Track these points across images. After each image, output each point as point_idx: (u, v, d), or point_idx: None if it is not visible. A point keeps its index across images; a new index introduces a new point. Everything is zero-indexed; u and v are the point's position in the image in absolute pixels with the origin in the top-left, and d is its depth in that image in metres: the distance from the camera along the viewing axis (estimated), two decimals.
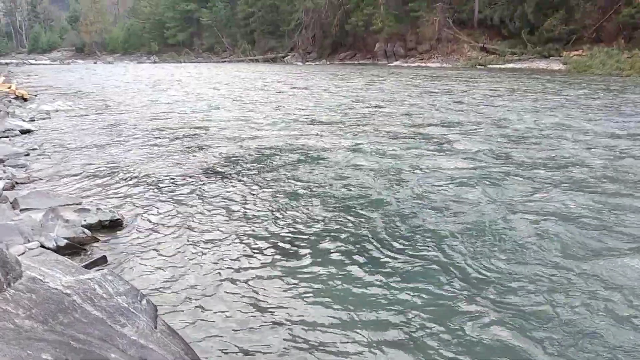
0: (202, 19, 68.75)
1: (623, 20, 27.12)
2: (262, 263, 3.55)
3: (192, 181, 5.65)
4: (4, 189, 5.16)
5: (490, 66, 30.57)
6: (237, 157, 6.83)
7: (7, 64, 51.46)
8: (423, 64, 35.91)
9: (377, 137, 7.98)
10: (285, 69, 36.55)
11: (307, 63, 47.18)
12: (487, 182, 5.24)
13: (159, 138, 8.32)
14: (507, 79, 20.44)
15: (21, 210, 4.56)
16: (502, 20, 34.57)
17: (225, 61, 58.59)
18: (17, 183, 5.56)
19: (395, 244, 3.77)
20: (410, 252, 3.63)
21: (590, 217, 4.18)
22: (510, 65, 29.77)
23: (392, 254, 3.60)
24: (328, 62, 46.18)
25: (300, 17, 50.89)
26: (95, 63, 65.79)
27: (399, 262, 3.47)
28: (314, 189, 5.23)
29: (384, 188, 5.18)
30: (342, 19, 47.01)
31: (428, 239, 3.84)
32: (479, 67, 30.99)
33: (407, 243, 3.79)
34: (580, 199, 4.64)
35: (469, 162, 6.13)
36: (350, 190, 5.15)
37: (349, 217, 4.37)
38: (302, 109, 11.73)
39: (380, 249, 3.71)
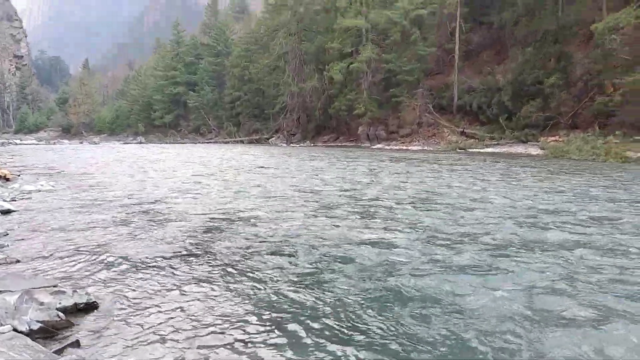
0: (189, 101, 70.36)
1: (597, 107, 28.13)
2: (246, 351, 3.52)
3: (172, 263, 5.64)
4: None
5: (470, 150, 31.34)
6: (216, 237, 6.85)
7: None
8: (405, 147, 36.72)
9: (350, 214, 8.06)
10: (270, 150, 37.14)
11: (291, 144, 48.02)
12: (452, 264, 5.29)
13: (140, 218, 8.33)
14: (485, 162, 20.93)
15: None
16: (480, 106, 35.79)
17: (210, 142, 59.46)
18: None
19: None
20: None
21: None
22: (490, 150, 30.55)
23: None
24: (312, 144, 47.05)
25: (285, 101, 52.30)
26: (81, 143, 66.36)
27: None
28: (278, 263, 5.25)
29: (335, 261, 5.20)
30: (325, 103, 48.35)
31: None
32: (459, 150, 31.75)
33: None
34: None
35: (427, 240, 6.20)
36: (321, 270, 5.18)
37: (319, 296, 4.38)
38: (283, 189, 11.85)
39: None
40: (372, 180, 14.08)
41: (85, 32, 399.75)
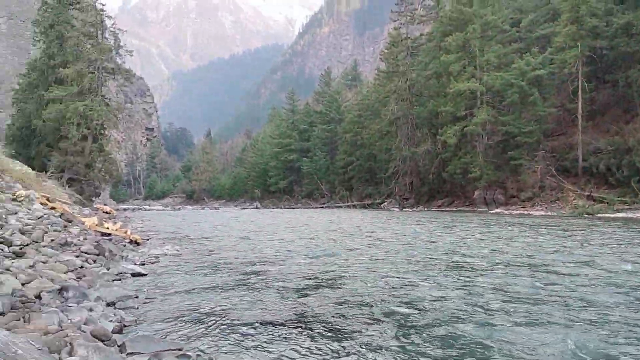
0: (302, 167, 72.28)
1: None
2: None
3: (288, 328, 5.51)
4: (113, 332, 5.25)
5: (600, 215, 29.19)
6: (326, 301, 6.65)
7: (124, 209, 55.60)
8: (526, 212, 34.94)
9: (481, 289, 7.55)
10: (381, 214, 36.83)
11: (404, 209, 47.45)
12: None
13: (258, 281, 8.35)
14: (620, 230, 19.32)
15: (128, 354, 4.59)
16: (609, 168, 33.52)
17: (323, 207, 60.23)
18: (125, 326, 5.66)
19: None
20: None
21: None
22: (622, 215, 28.24)
23: None
24: (425, 209, 46.20)
25: (398, 165, 52.18)
26: (202, 208, 69.74)
27: None
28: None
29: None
30: (439, 166, 47.68)
31: None
32: (586, 215, 29.67)
33: None
34: None
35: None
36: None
37: None
38: (392, 257, 11.50)
39: None
40: (494, 250, 13.37)
41: (209, 105, 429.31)
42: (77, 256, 9.86)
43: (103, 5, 47.38)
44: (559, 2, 40.45)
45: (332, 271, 9.62)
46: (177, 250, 13.23)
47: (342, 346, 5.03)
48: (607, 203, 31.20)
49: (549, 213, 32.99)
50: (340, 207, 58.11)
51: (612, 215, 28.38)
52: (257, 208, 67.43)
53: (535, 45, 45.08)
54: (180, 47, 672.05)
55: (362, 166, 61.53)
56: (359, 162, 61.61)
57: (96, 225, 15.66)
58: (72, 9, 48.83)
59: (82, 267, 8.98)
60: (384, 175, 55.33)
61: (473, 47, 43.13)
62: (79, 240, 11.82)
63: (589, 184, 34.88)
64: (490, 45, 43.33)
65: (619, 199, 31.09)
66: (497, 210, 37.92)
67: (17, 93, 50.41)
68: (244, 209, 68.07)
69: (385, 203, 53.66)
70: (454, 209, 43.72)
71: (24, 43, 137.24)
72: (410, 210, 46.48)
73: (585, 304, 6.53)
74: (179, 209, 70.70)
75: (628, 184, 31.23)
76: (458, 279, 8.49)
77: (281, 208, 64.35)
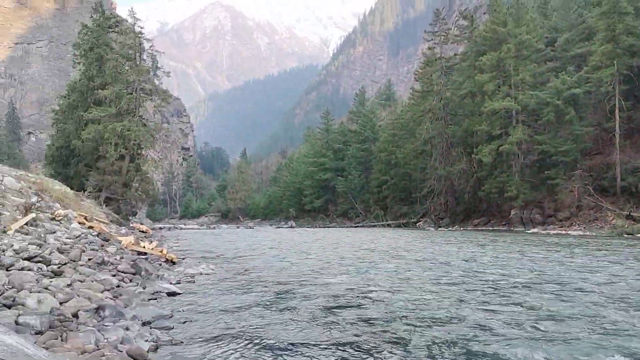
0: (337, 186, 72.32)
1: None
2: None
3: (329, 352, 5.57)
4: (148, 351, 5.38)
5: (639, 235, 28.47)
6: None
7: (160, 228, 56.43)
8: (563, 232, 34.24)
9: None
10: (417, 234, 36.55)
11: (439, 229, 47.00)
12: None
13: (296, 304, 8.42)
14: None
15: None
16: None
17: (358, 226, 60.08)
18: (160, 345, 5.79)
19: None
20: None
21: None
22: None
23: None
24: (461, 228, 45.66)
25: (433, 184, 51.81)
26: (237, 227, 70.23)
27: None
28: None
29: None
30: (474, 185, 47.18)
31: None
32: (626, 235, 28.94)
33: None
34: None
35: None
36: None
37: None
38: (422, 277, 11.43)
39: None
40: (535, 274, 13.16)
41: (244, 125, 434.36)
42: (114, 275, 10.10)
43: (142, 28, 48.73)
44: (595, 21, 39.93)
45: (364, 291, 9.63)
46: (212, 269, 13.41)
47: None
48: None
49: (588, 233, 32.27)
50: (375, 226, 57.88)
51: None
52: (291, 227, 67.61)
53: (570, 64, 44.55)
54: (216, 69, 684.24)
55: (396, 185, 61.27)
56: (394, 181, 61.36)
57: (132, 244, 15.99)
58: (112, 32, 50.37)
59: (118, 286, 9.21)
60: (419, 194, 54.95)
61: (507, 66, 42.84)
62: (115, 259, 12.12)
63: (628, 203, 34.06)
64: (525, 64, 42.99)
65: None
66: (534, 230, 37.25)
67: (57, 114, 51.99)
68: (278, 227, 68.35)
69: (421, 222, 53.23)
70: (490, 228, 43.11)
71: (65, 65, 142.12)
72: (445, 229, 46.02)
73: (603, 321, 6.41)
74: (214, 228, 71.37)
75: None
76: (489, 299, 8.41)
77: (316, 227, 64.40)
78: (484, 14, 66.02)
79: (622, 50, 36.53)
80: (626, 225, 31.00)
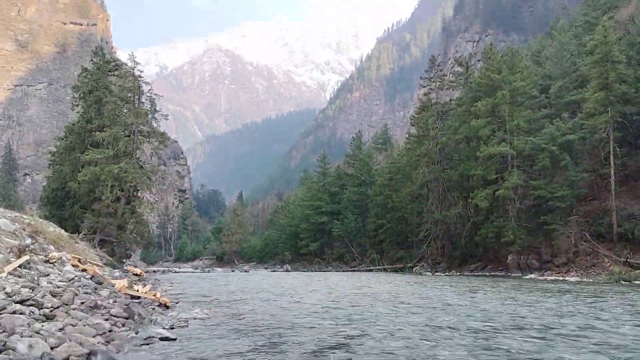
0: (333, 230, 72.06)
1: None
2: None
3: None
4: None
5: (637, 282, 28.26)
6: None
7: (154, 271, 55.90)
8: (560, 278, 34.04)
9: None
10: (413, 279, 36.25)
11: (436, 274, 46.67)
12: None
13: (289, 349, 8.30)
14: None
15: None
16: None
17: (354, 270, 59.61)
18: None
19: None
20: None
21: None
22: None
23: None
24: (458, 273, 45.34)
25: (429, 228, 51.68)
26: (233, 271, 69.59)
27: None
28: None
29: None
30: (471, 230, 47.09)
31: None
32: (623, 282, 28.76)
33: None
34: None
35: None
36: None
37: None
38: (413, 327, 11.29)
39: None
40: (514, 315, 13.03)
41: (241, 168, 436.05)
42: (107, 319, 9.97)
43: (141, 71, 49.43)
44: (588, 69, 40.73)
45: (353, 335, 9.55)
46: (207, 313, 13.24)
47: None
48: None
49: (585, 279, 32.08)
50: (372, 270, 57.43)
51: None
52: (287, 271, 67.06)
53: (564, 110, 45.21)
54: (214, 112, 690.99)
55: (393, 229, 61.09)
56: (390, 225, 61.20)
57: (126, 287, 15.82)
58: (111, 75, 51.04)
59: (110, 330, 9.07)
60: (416, 238, 54.76)
61: (502, 112, 43.38)
62: (108, 303, 11.97)
63: (625, 249, 33.96)
64: (520, 110, 43.60)
65: None
66: (532, 276, 37.03)
67: (54, 155, 52.16)
68: (274, 271, 67.78)
69: (417, 267, 52.89)
70: (487, 273, 42.84)
71: (63, 108, 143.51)
72: (442, 274, 45.70)
73: None
74: (209, 271, 70.70)
75: None
76: (474, 344, 8.31)
77: (312, 271, 63.86)
78: (479, 61, 67.34)
79: (616, 98, 37.12)
80: (623, 272, 30.84)
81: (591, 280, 31.31)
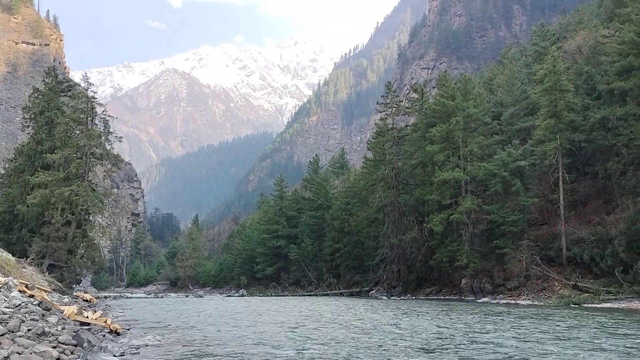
0: (290, 254, 71.71)
1: None
2: None
3: None
4: None
5: (586, 305, 28.99)
6: None
7: (105, 297, 54.39)
8: (512, 301, 34.67)
9: None
10: (368, 303, 36.31)
11: (392, 297, 46.89)
12: None
13: None
14: (608, 321, 19.21)
15: None
16: (593, 258, 33.73)
17: (311, 295, 59.33)
18: None
19: None
20: None
21: None
22: (608, 305, 28.06)
23: None
24: (413, 297, 45.69)
25: (385, 253, 51.97)
26: (187, 296, 68.34)
27: None
28: None
29: None
30: (426, 254, 47.63)
31: None
32: (572, 305, 29.47)
33: None
34: None
35: None
36: None
37: None
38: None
39: None
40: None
41: (197, 191, 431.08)
42: (54, 347, 9.62)
43: (94, 92, 48.57)
44: (537, 97, 42.12)
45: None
46: (159, 340, 12.94)
47: None
48: (593, 293, 31.08)
49: (536, 302, 32.74)
50: (328, 294, 57.26)
51: (598, 306, 28.21)
52: (242, 295, 66.25)
53: (516, 137, 46.56)
54: (170, 134, 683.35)
55: (349, 253, 61.18)
56: (347, 249, 61.31)
57: (75, 314, 15.33)
58: (63, 96, 49.96)
59: (58, 358, 8.77)
60: (372, 262, 55.00)
61: (456, 138, 44.26)
62: (56, 330, 11.56)
63: (574, 273, 34.84)
64: (473, 136, 44.62)
65: (605, 288, 31.01)
66: (485, 299, 37.58)
67: (2, 178, 50.47)
68: (229, 296, 66.86)
69: (373, 291, 53.03)
70: (442, 297, 43.29)
71: (13, 129, 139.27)
72: (397, 298, 45.94)
73: None
74: (162, 296, 69.21)
75: (612, 273, 31.29)
76: None
77: (268, 295, 63.27)
78: (434, 87, 68.64)
79: (564, 125, 38.45)
80: (573, 296, 31.61)
81: (542, 303, 31.96)
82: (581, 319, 19.16)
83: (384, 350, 11.22)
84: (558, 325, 16.92)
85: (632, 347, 11.72)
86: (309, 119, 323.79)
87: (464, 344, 12.05)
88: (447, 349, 11.32)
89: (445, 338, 13.33)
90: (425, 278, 49.43)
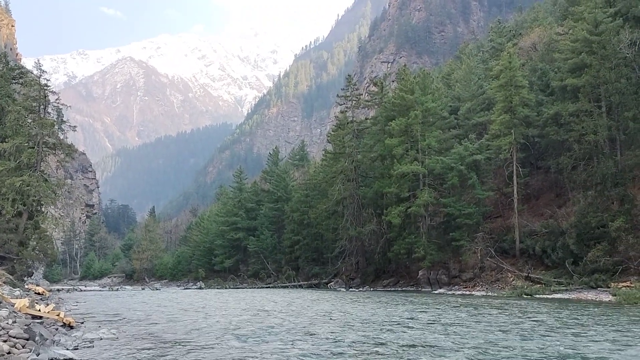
0: (249, 246, 71.46)
1: None
2: None
3: None
4: None
5: (537, 296, 29.83)
6: None
7: (58, 290, 53.17)
8: (467, 292, 35.43)
9: None
10: (329, 295, 36.54)
11: (350, 289, 47.27)
12: None
13: None
14: (554, 310, 19.82)
15: None
16: (544, 250, 34.71)
17: (270, 287, 59.29)
18: None
19: None
20: None
21: None
22: (558, 296, 28.93)
23: None
24: (371, 289, 46.16)
25: (344, 245, 52.28)
26: (143, 289, 67.42)
27: None
28: None
29: None
30: (384, 246, 48.14)
31: None
32: (525, 296, 30.28)
33: None
34: None
35: None
36: None
37: None
38: (334, 340, 11.43)
39: None
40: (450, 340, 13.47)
41: (154, 182, 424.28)
42: (5, 341, 9.38)
43: (47, 80, 47.07)
44: (493, 93, 42.95)
45: (258, 351, 9.52)
46: (114, 333, 12.74)
47: None
48: (544, 284, 31.98)
49: (490, 293, 33.53)
50: (287, 286, 57.34)
51: (549, 296, 29.07)
52: (200, 288, 65.69)
53: (472, 131, 47.36)
54: (126, 124, 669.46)
55: (308, 245, 61.35)
56: (306, 242, 61.45)
57: (27, 307, 14.94)
58: (15, 83, 48.33)
59: (9, 352, 8.54)
60: (331, 254, 55.29)
61: (415, 132, 44.75)
62: (7, 323, 11.25)
63: (527, 265, 35.80)
64: (431, 130, 45.21)
65: (555, 280, 31.95)
66: (441, 291, 38.27)
67: None
68: (186, 289, 66.25)
69: (332, 283, 53.32)
70: (399, 289, 43.87)
71: None
72: (356, 289, 46.34)
73: None
74: (118, 289, 68.09)
75: (563, 265, 32.26)
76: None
77: (226, 288, 62.94)
78: (393, 81, 69.16)
79: (519, 121, 39.35)
80: (525, 287, 32.46)
81: (496, 294, 32.76)
82: (526, 311, 19.70)
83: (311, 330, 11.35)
84: (495, 315, 17.36)
85: (580, 337, 12.13)
86: (269, 111, 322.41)
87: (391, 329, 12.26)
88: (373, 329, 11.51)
89: (375, 322, 13.53)
90: (384, 270, 49.98)
